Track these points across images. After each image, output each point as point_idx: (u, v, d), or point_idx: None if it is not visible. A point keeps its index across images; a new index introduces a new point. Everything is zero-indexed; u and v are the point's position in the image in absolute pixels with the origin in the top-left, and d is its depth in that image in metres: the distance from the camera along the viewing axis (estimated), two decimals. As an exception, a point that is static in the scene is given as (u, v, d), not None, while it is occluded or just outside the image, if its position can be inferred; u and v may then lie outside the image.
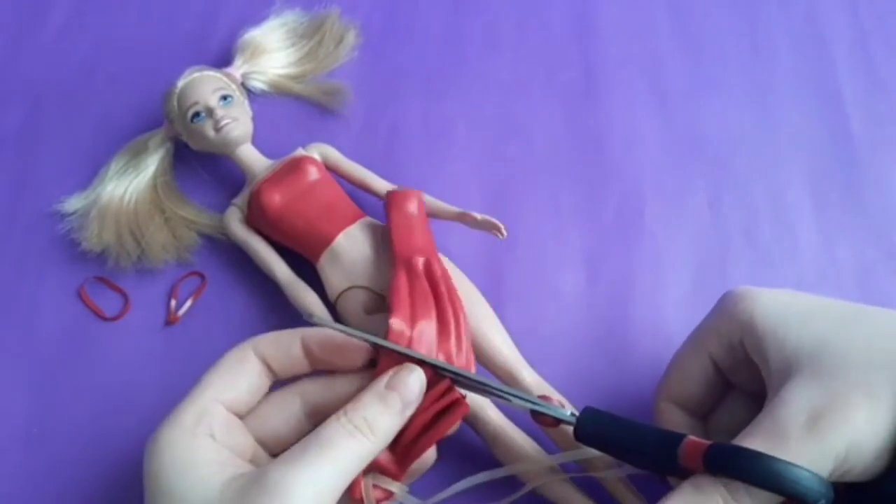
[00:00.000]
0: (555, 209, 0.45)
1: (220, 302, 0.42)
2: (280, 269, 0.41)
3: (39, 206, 0.45)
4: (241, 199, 0.42)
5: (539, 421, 0.32)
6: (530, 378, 0.37)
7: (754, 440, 0.28)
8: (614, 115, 0.47)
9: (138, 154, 0.45)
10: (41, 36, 0.51)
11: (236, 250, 0.42)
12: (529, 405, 0.32)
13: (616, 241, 0.44)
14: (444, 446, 0.38)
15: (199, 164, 0.45)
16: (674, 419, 0.34)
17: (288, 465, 0.27)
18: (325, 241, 0.39)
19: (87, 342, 0.41)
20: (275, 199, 0.40)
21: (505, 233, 0.39)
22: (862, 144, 0.46)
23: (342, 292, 0.39)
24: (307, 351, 0.31)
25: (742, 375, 0.33)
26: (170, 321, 0.41)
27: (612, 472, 0.35)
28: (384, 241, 0.40)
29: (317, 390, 0.32)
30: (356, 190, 0.43)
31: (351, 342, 0.31)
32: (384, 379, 0.30)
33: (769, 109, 0.48)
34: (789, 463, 0.26)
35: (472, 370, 0.36)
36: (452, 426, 0.31)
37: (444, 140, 0.47)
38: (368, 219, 0.41)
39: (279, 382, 0.33)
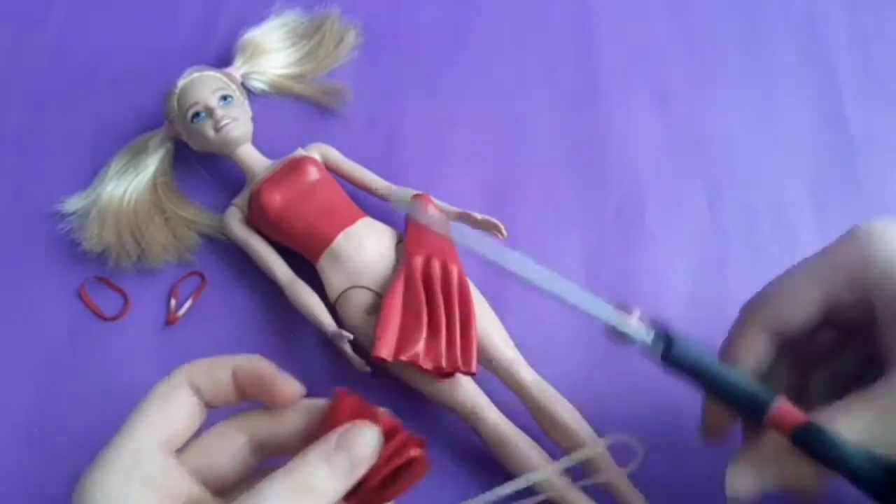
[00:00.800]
0: (555, 209, 0.45)
1: (220, 302, 0.42)
2: (280, 269, 0.41)
3: (39, 206, 0.45)
4: (242, 199, 0.42)
5: (612, 338, 0.30)
6: (530, 378, 0.37)
7: (868, 410, 0.26)
8: (614, 115, 0.47)
9: (138, 154, 0.45)
10: (41, 36, 0.51)
11: (236, 250, 0.42)
12: (609, 317, 0.30)
13: (616, 241, 0.44)
14: (445, 446, 0.38)
15: (199, 164, 0.45)
16: (757, 347, 0.31)
17: None
18: (325, 242, 0.39)
19: (87, 342, 0.41)
20: (275, 199, 0.40)
21: (505, 233, 0.39)
22: (862, 144, 0.46)
23: (342, 292, 0.39)
24: (237, 382, 0.28)
25: (849, 319, 0.30)
26: (170, 321, 0.41)
27: (615, 471, 0.35)
28: (391, 243, 0.40)
29: (262, 425, 0.29)
30: (356, 190, 0.43)
31: (281, 379, 0.28)
32: (334, 437, 0.27)
33: (769, 109, 0.48)
34: (883, 461, 0.26)
35: (474, 367, 0.36)
36: (411, 485, 0.28)
37: (444, 140, 0.47)
38: (368, 219, 0.41)
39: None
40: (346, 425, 0.27)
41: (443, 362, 0.36)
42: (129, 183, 0.44)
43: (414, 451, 0.27)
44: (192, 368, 0.29)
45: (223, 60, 0.47)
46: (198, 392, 0.28)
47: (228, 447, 0.29)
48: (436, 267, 0.38)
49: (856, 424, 0.27)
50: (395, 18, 0.51)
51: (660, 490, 0.36)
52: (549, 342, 0.41)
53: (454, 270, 0.38)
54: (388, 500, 0.28)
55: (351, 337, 0.38)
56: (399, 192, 0.42)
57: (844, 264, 0.29)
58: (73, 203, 0.44)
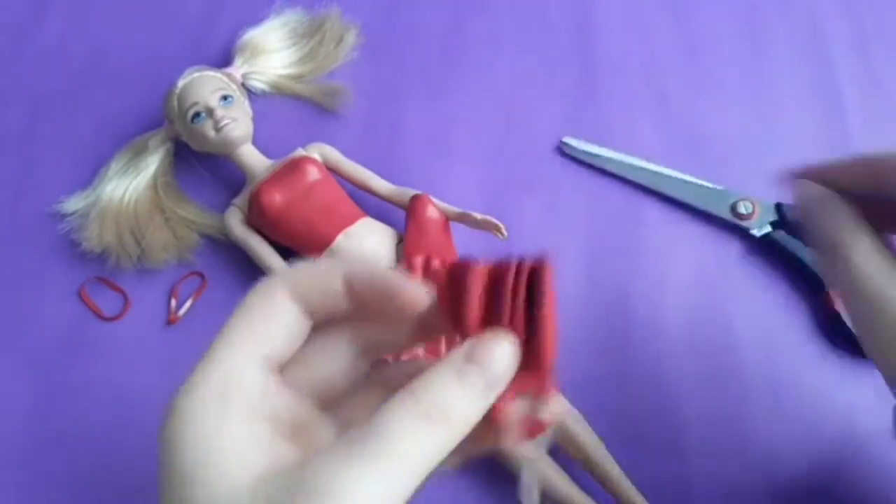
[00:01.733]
0: (555, 209, 0.45)
1: (220, 302, 0.42)
2: (280, 269, 0.40)
3: (40, 206, 0.45)
4: (242, 199, 0.42)
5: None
6: (530, 378, 0.37)
7: None
8: (614, 115, 0.47)
9: (139, 154, 0.45)
10: (41, 36, 0.51)
11: (236, 250, 0.42)
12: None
13: (616, 240, 0.44)
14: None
15: (199, 164, 0.45)
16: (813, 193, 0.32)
17: (340, 463, 0.20)
18: (325, 242, 0.39)
19: (87, 342, 0.41)
20: (275, 199, 0.40)
21: (505, 233, 0.39)
22: (862, 144, 0.46)
23: (342, 292, 0.39)
24: (352, 291, 0.24)
25: None
26: (170, 321, 0.41)
27: (616, 469, 0.35)
28: (391, 243, 0.40)
29: (366, 324, 0.25)
30: (356, 190, 0.43)
31: (409, 285, 0.24)
32: (462, 350, 0.23)
33: (769, 109, 0.48)
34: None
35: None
36: (553, 302, 0.24)
37: (444, 140, 0.47)
38: (368, 219, 0.41)
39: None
40: (477, 336, 0.23)
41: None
42: (130, 183, 0.44)
43: (536, 264, 0.24)
44: (293, 276, 0.24)
45: (223, 60, 0.47)
46: (302, 302, 0.24)
47: (333, 355, 0.25)
48: (436, 267, 0.38)
49: None
50: (395, 18, 0.51)
51: (660, 490, 0.36)
52: (549, 342, 0.41)
53: None
54: (551, 336, 0.25)
55: (351, 337, 0.38)
56: (399, 192, 0.42)
57: None
58: (73, 203, 0.44)
